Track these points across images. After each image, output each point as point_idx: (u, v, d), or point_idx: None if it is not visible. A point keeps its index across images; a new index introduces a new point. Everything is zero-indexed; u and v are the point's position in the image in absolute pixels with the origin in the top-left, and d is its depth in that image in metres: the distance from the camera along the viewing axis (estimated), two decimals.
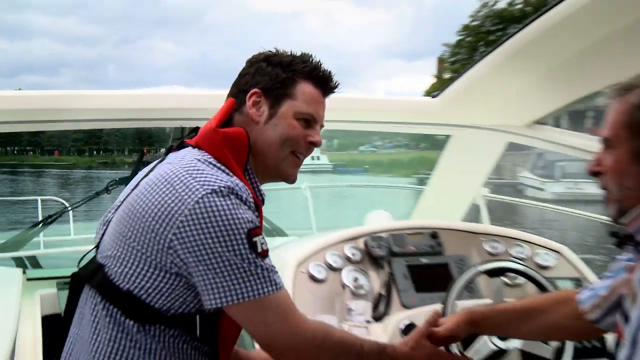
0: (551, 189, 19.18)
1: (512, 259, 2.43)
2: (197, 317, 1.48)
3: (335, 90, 1.66)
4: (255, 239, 1.42)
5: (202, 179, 1.41)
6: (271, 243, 2.75)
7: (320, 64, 1.63)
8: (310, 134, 1.62)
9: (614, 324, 1.44)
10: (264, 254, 1.43)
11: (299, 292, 2.20)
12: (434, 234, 2.50)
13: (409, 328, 2.12)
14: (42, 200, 5.01)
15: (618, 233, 1.52)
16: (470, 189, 3.26)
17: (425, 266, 2.42)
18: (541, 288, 2.14)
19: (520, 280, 2.32)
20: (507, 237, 2.55)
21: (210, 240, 1.37)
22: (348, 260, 2.37)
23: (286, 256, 2.34)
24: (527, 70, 2.32)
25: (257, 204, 1.52)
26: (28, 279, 2.44)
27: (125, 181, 3.25)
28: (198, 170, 1.44)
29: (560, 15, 1.85)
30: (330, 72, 1.65)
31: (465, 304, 2.07)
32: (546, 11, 1.97)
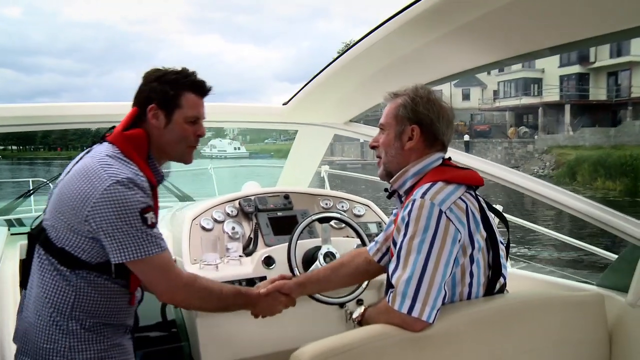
0: None
1: (337, 211, 2.52)
2: (112, 264, 1.50)
3: (210, 92, 1.65)
4: (146, 215, 1.45)
5: (110, 171, 1.45)
6: (181, 206, 2.68)
7: (196, 75, 1.62)
8: (198, 129, 1.64)
9: (389, 260, 1.51)
10: (152, 225, 1.47)
11: (193, 238, 2.22)
12: (286, 196, 2.55)
13: (267, 259, 2.15)
14: (32, 181, 4.82)
15: (388, 189, 1.65)
16: (312, 166, 3.44)
17: (280, 217, 2.46)
18: (353, 229, 2.21)
19: (342, 225, 2.38)
20: (336, 197, 2.64)
21: (113, 217, 1.41)
22: (228, 215, 2.40)
23: (185, 214, 2.37)
24: (344, 85, 2.43)
25: (154, 184, 1.57)
26: (12, 234, 2.49)
27: None
28: (108, 164, 1.47)
29: (367, 44, 1.94)
30: (203, 81, 1.63)
31: (305, 242, 2.17)
32: (355, 44, 2.03)
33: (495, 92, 37.36)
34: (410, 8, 1.61)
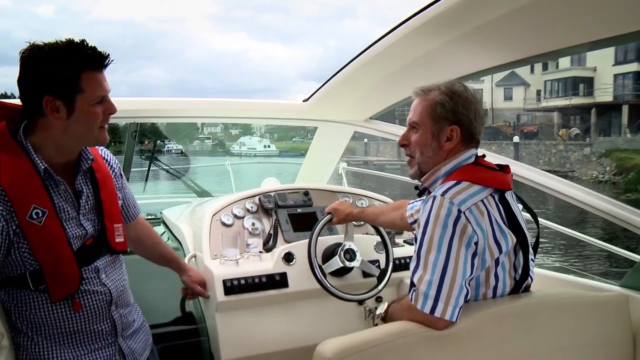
0: None
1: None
2: (27, 276, 1.46)
3: (108, 59, 1.46)
4: None
5: None
6: (200, 201, 2.87)
7: (86, 45, 1.41)
8: (107, 107, 1.49)
9: None
10: None
11: (214, 233, 2.33)
12: (306, 192, 2.66)
13: (287, 255, 2.22)
14: None
15: (419, 187, 1.69)
16: (331, 162, 3.55)
17: (300, 214, 2.56)
18: (373, 226, 2.31)
19: (362, 221, 2.46)
20: (355, 193, 2.74)
21: None
22: (248, 211, 2.52)
23: (205, 209, 2.49)
24: (365, 82, 2.52)
25: (21, 181, 1.43)
26: None
27: None
28: None
29: (389, 41, 2.02)
30: (95, 49, 1.43)
31: (325, 238, 2.27)
32: (375, 42, 2.11)
33: (539, 92, 36.63)
34: (431, 7, 1.67)
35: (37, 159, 1.45)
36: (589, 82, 33.08)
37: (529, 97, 37.86)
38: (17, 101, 1.52)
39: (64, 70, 1.39)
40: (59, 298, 1.49)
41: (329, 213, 2.21)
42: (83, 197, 1.57)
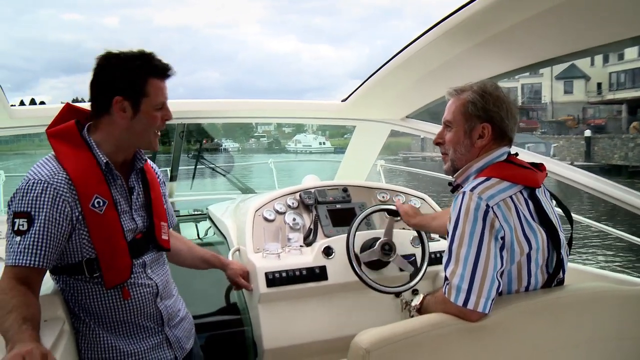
0: None
1: (393, 204, 2.70)
2: (84, 264, 1.61)
3: (171, 71, 1.68)
4: (15, 220, 1.50)
5: (30, 172, 1.57)
6: (243, 197, 3.08)
7: (154, 56, 1.64)
8: (165, 113, 1.70)
9: None
10: (18, 232, 1.50)
11: (257, 228, 2.47)
12: (344, 189, 2.80)
13: (327, 249, 2.37)
14: None
15: (452, 183, 1.78)
16: (369, 160, 3.68)
17: (339, 209, 2.70)
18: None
19: (399, 217, 2.57)
20: (392, 190, 2.86)
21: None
22: (289, 207, 2.65)
23: (249, 205, 2.63)
24: (401, 82, 2.67)
25: (85, 172, 1.59)
26: None
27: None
28: (35, 165, 1.58)
29: (421, 44, 2.15)
30: (161, 61, 1.65)
31: (363, 233, 2.41)
32: (410, 44, 2.24)
33: (599, 84, 35.51)
34: (461, 11, 1.78)
35: (99, 153, 1.63)
36: None
37: (589, 90, 36.70)
38: (85, 105, 1.73)
39: (134, 75, 1.60)
40: (111, 285, 1.63)
41: (395, 212, 2.33)
42: (135, 194, 1.75)
